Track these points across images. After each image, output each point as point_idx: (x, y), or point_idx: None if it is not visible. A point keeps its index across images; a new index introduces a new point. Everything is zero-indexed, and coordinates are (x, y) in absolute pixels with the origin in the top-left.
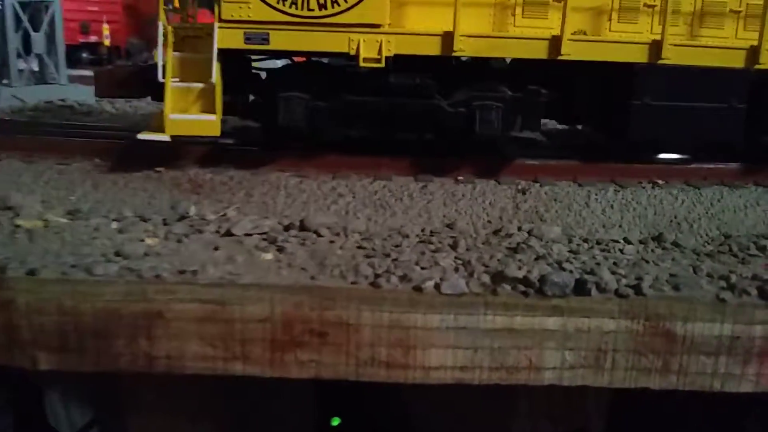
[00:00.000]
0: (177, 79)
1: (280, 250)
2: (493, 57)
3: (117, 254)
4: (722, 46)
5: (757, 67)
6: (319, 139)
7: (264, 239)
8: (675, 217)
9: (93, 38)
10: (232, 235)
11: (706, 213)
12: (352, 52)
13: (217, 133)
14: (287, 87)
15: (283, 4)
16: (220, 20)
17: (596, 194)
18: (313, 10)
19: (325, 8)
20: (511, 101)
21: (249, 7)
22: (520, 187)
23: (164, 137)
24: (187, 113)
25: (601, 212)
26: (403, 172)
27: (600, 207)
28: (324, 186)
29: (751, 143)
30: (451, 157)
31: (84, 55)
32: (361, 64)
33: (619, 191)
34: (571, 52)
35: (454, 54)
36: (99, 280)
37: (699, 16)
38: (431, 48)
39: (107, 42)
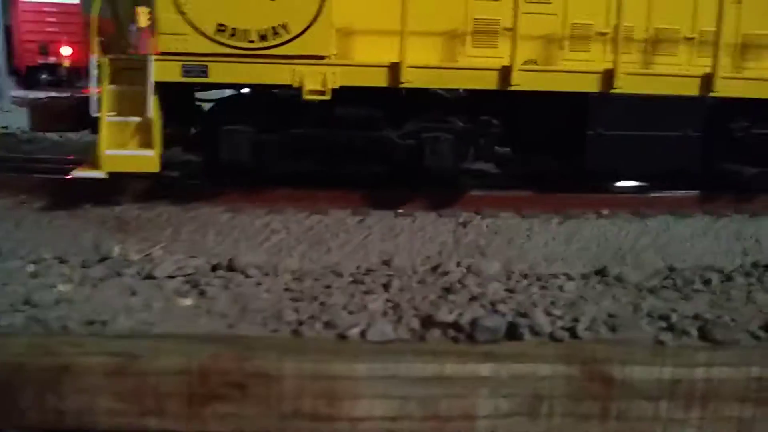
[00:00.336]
0: (113, 113)
1: (202, 294)
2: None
3: (26, 302)
4: (676, 74)
5: (711, 94)
6: (263, 173)
7: (187, 282)
8: (620, 249)
9: (52, 59)
10: (153, 278)
11: (652, 244)
12: (296, 84)
13: (156, 169)
14: (230, 119)
15: (222, 36)
16: (157, 52)
17: (540, 226)
18: (253, 41)
19: (266, 40)
20: (462, 132)
21: (186, 39)
22: (461, 220)
23: (100, 174)
24: (125, 148)
25: (544, 245)
26: (341, 206)
27: (543, 239)
28: (257, 221)
29: (706, 171)
30: (393, 190)
31: (43, 76)
32: (305, 96)
33: (563, 223)
34: (521, 82)
35: (401, 86)
36: (2, 332)
37: (652, 43)
38: (378, 79)
39: (67, 63)
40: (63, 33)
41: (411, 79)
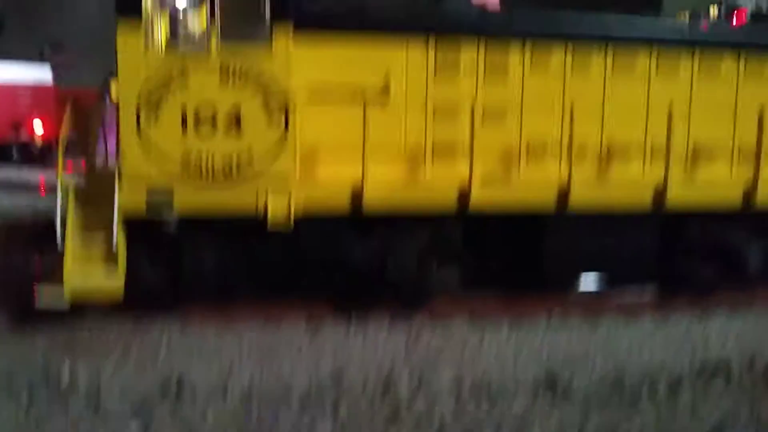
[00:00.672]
0: (78, 242)
1: (147, 427)
2: None
3: None
4: (630, 190)
5: (664, 207)
6: (227, 292)
7: (133, 412)
8: (570, 355)
9: (24, 137)
10: (99, 408)
11: (602, 350)
12: (261, 213)
13: (120, 298)
14: (194, 241)
15: (187, 170)
16: (121, 185)
17: (491, 333)
18: (217, 173)
19: (231, 172)
20: (425, 247)
21: (151, 174)
22: (414, 328)
23: (63, 306)
24: (89, 278)
25: (495, 354)
26: (295, 317)
27: (494, 347)
28: (211, 335)
29: (662, 279)
30: (352, 301)
31: (15, 154)
32: (269, 227)
33: (514, 328)
34: (480, 205)
35: (363, 212)
36: None
37: (606, 155)
38: (340, 206)
39: (39, 141)
40: (36, 111)
41: (373, 206)
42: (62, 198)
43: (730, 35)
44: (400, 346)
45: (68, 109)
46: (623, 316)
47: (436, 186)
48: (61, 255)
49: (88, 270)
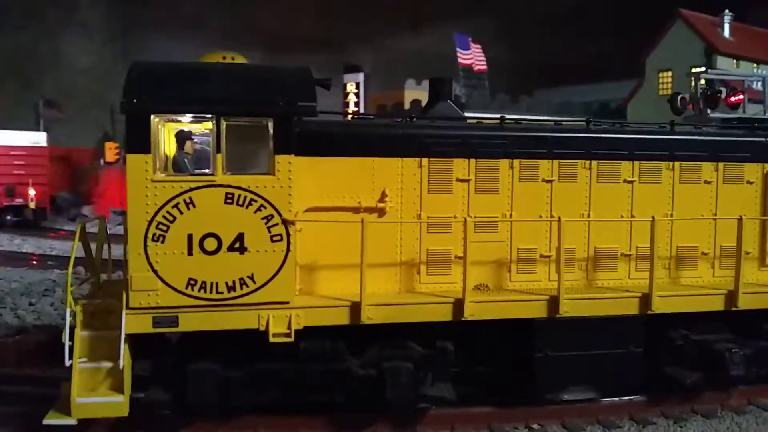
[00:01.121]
0: (84, 360)
1: None
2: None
3: None
4: (616, 296)
5: (649, 312)
6: (229, 406)
7: None
8: None
9: (18, 201)
10: None
11: None
12: (262, 329)
13: (125, 413)
14: (197, 356)
15: (192, 290)
16: (128, 307)
17: None
18: (222, 292)
19: (234, 290)
20: (421, 359)
21: (157, 295)
22: None
23: (70, 421)
24: (95, 394)
25: None
26: None
27: None
28: None
29: (648, 381)
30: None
31: (8, 217)
32: (271, 339)
33: None
34: (474, 312)
35: (362, 323)
36: None
37: (593, 261)
38: (340, 318)
39: (32, 205)
40: (29, 175)
41: (371, 316)
42: (70, 318)
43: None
44: None
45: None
46: (599, 424)
47: (432, 292)
48: (69, 369)
49: (95, 384)
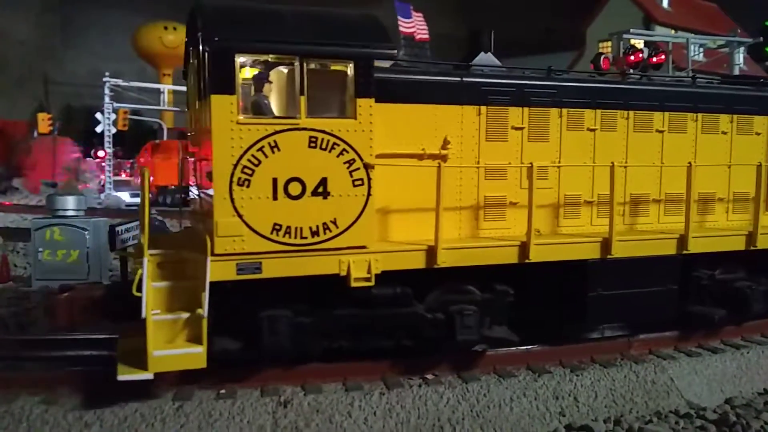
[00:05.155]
0: (158, 312)
1: None
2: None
3: None
4: (657, 237)
5: (684, 252)
6: (300, 354)
7: None
8: (438, 420)
9: None
10: None
11: (471, 411)
12: (343, 273)
13: (204, 364)
14: (269, 305)
15: (277, 235)
16: (213, 254)
17: (361, 400)
18: (306, 237)
19: (318, 235)
20: (483, 303)
21: (243, 240)
22: (282, 398)
23: (147, 375)
24: (172, 347)
25: (364, 421)
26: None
27: (363, 415)
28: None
29: (680, 317)
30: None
31: None
32: (352, 284)
33: (384, 394)
34: (537, 255)
35: (437, 266)
36: None
37: (630, 206)
38: (416, 262)
39: None
40: None
41: (446, 260)
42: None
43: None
44: (266, 419)
45: None
46: (495, 374)
47: (491, 237)
48: (143, 322)
49: (171, 336)
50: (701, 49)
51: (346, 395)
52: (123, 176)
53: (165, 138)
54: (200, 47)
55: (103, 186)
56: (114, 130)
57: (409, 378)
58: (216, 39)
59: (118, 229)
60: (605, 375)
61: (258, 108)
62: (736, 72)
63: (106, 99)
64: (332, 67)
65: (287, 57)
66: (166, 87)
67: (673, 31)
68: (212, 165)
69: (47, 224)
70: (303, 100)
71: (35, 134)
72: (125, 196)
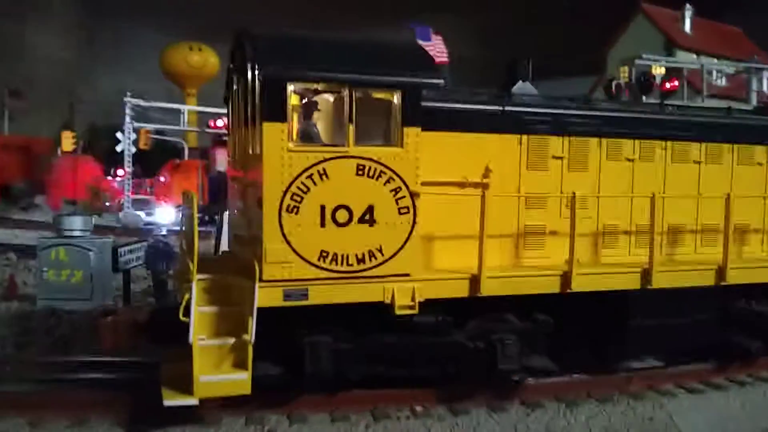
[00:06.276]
0: (204, 337)
1: None
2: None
3: None
4: (696, 268)
5: (723, 283)
6: (340, 380)
7: None
8: None
9: None
10: None
11: None
12: (387, 301)
13: (248, 390)
14: (311, 330)
15: (323, 261)
16: (261, 280)
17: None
18: (352, 264)
19: (363, 263)
20: (524, 332)
21: (291, 267)
22: (266, 428)
23: (192, 401)
24: (218, 372)
25: None
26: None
27: None
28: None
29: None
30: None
31: None
32: (396, 312)
33: (370, 426)
34: (580, 285)
35: (479, 295)
36: None
37: (668, 237)
38: (460, 290)
39: None
40: None
41: (489, 289)
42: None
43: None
44: None
45: None
46: (487, 407)
47: (532, 266)
48: (189, 348)
49: (216, 362)
50: (720, 75)
51: (331, 426)
52: (142, 195)
53: (186, 158)
54: (249, 74)
55: (122, 205)
56: (134, 150)
57: (398, 409)
58: (269, 67)
59: (121, 250)
60: (601, 411)
61: (307, 136)
62: (754, 98)
63: (127, 119)
64: (379, 96)
65: (337, 85)
66: (186, 107)
67: (695, 56)
68: (262, 191)
69: (53, 244)
70: (351, 128)
71: (59, 152)
72: (143, 215)
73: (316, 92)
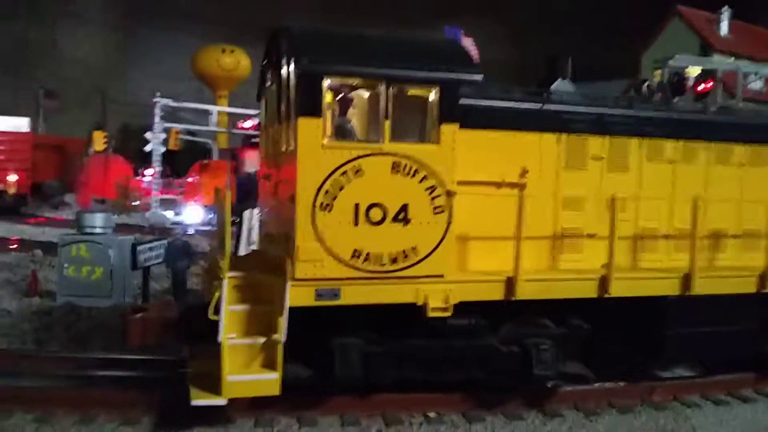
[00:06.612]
0: (234, 336)
1: None
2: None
3: None
4: (737, 274)
5: (764, 291)
6: (371, 383)
7: None
8: None
9: None
10: None
11: None
12: (420, 303)
13: (278, 391)
14: (341, 332)
15: (356, 261)
16: (293, 279)
17: None
18: (385, 264)
19: (396, 263)
20: (559, 337)
21: (323, 265)
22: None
23: (220, 401)
24: (247, 372)
25: None
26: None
27: None
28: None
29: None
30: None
31: None
32: (430, 314)
33: (381, 431)
34: (618, 290)
35: (515, 299)
36: None
37: (708, 242)
38: (495, 293)
39: (13, 190)
40: (9, 160)
41: (524, 292)
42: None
43: None
44: None
45: None
46: (503, 414)
47: (570, 269)
48: (215, 345)
49: (246, 361)
50: (758, 77)
51: (341, 430)
52: (170, 195)
53: (215, 158)
54: (284, 70)
55: (149, 204)
56: (163, 149)
57: (411, 415)
58: (304, 61)
59: (140, 248)
60: (622, 421)
61: (342, 132)
62: None
63: (156, 118)
64: (415, 92)
65: (373, 81)
66: (216, 108)
67: (732, 59)
68: (296, 188)
69: (74, 240)
70: (387, 124)
71: (90, 151)
72: (171, 215)
73: (352, 88)
